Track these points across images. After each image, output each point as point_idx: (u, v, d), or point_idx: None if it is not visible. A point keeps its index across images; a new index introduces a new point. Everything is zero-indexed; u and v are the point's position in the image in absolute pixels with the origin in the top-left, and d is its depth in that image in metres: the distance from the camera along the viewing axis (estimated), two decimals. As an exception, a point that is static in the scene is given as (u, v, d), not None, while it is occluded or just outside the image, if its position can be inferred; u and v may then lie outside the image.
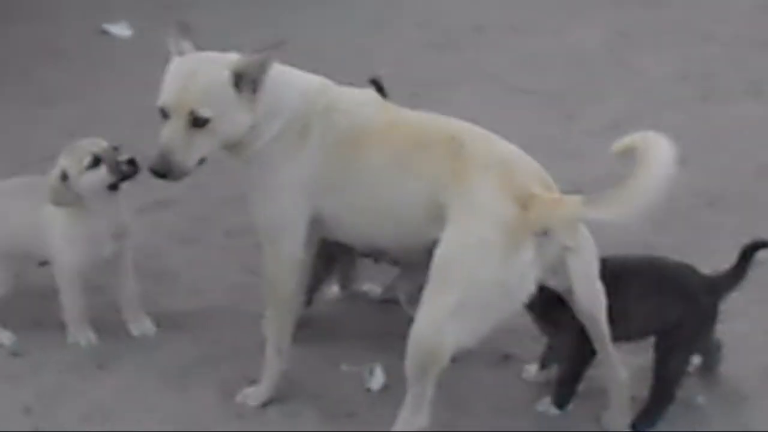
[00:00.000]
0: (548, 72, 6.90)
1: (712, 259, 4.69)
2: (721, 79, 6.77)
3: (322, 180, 3.64)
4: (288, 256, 3.74)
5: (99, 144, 4.06)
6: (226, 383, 4.06)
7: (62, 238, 4.15)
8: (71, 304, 4.29)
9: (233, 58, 3.54)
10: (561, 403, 3.90)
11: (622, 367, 3.79)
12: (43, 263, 4.46)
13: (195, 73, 3.47)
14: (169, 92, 3.49)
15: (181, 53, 3.59)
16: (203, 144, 3.49)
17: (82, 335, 4.31)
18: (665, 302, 3.79)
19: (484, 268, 3.36)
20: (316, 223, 3.72)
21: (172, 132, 3.45)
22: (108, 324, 4.37)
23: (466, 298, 3.37)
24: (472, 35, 7.55)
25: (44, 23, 7.54)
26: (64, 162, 4.05)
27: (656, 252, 4.21)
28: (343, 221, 3.70)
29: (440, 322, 3.40)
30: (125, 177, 4.02)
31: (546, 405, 3.92)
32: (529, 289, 3.43)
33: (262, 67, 3.49)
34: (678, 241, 4.96)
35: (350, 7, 7.87)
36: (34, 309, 4.50)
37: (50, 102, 6.43)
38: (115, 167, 3.99)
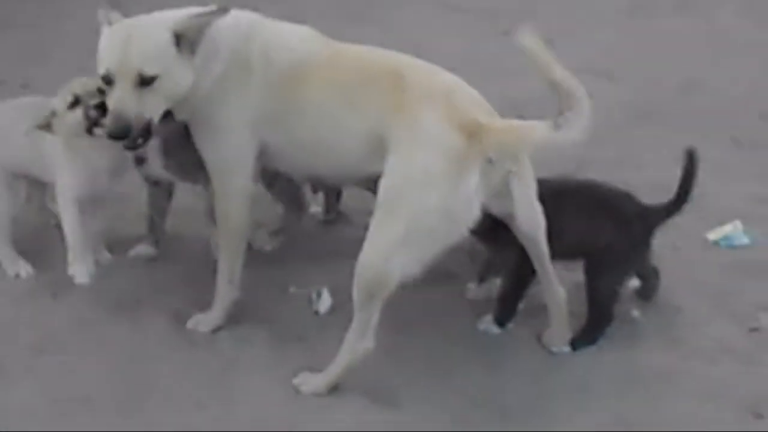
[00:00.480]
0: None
1: (643, 171, 4.56)
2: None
3: (268, 114, 3.49)
4: (239, 189, 3.60)
5: (86, 84, 3.68)
6: (178, 311, 3.82)
7: (62, 163, 3.83)
8: (70, 230, 3.95)
9: (173, 19, 3.37)
10: (502, 320, 3.73)
11: (560, 286, 3.65)
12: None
13: (134, 35, 3.31)
14: (111, 57, 3.31)
15: (111, 23, 3.41)
16: (153, 103, 3.33)
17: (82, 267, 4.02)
18: (597, 224, 3.67)
19: (431, 197, 3.20)
20: (261, 155, 3.57)
21: (121, 94, 3.29)
22: (63, 252, 4.07)
23: (412, 227, 3.22)
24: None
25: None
26: (56, 98, 3.74)
27: (591, 166, 4.04)
28: (286, 153, 3.56)
29: (387, 250, 3.25)
30: (94, 122, 3.65)
31: (487, 323, 3.75)
32: (475, 215, 3.27)
33: (201, 30, 3.35)
34: (610, 154, 4.81)
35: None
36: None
37: (5, 27, 6.07)
38: (85, 112, 3.65)
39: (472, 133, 3.22)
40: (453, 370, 3.56)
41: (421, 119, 3.27)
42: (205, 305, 3.76)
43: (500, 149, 3.24)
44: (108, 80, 3.31)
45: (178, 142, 3.65)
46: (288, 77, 3.46)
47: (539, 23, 5.89)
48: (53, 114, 3.69)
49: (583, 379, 3.52)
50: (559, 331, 3.65)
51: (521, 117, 4.62)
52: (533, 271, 3.61)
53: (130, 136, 3.32)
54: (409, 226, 3.22)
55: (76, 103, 3.65)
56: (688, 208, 4.28)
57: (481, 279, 3.92)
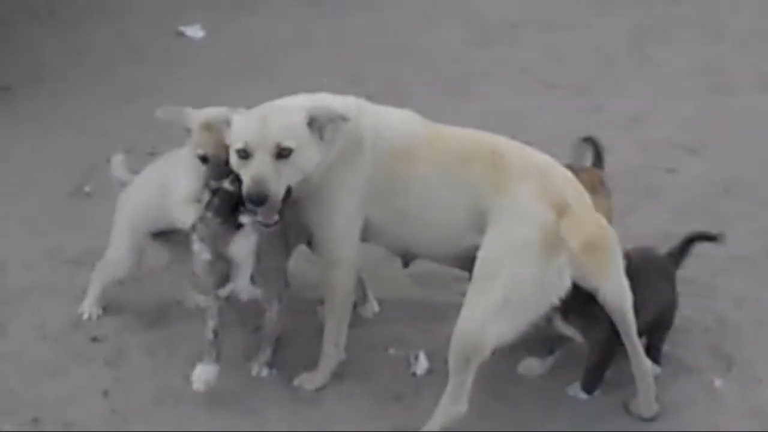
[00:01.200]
0: (575, 66, 6.64)
1: (727, 245, 4.51)
2: (732, 73, 6.46)
3: (375, 189, 3.58)
4: (347, 260, 3.69)
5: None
6: (286, 367, 3.91)
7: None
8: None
9: (306, 104, 3.51)
10: (590, 389, 3.74)
11: (647, 358, 3.65)
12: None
13: (272, 115, 3.44)
14: (249, 132, 3.39)
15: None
16: (289, 173, 3.40)
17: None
18: (667, 288, 3.82)
19: (526, 268, 3.33)
20: (363, 229, 3.67)
21: (261, 164, 3.35)
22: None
23: (509, 296, 3.33)
24: (507, 32, 7.28)
25: (125, 25, 7.36)
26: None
27: (674, 239, 4.02)
28: (387, 228, 3.64)
29: (484, 318, 3.35)
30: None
31: (576, 389, 3.75)
32: (566, 286, 3.37)
33: (330, 120, 3.46)
34: (694, 227, 4.73)
35: (395, 8, 7.60)
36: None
37: (130, 97, 6.26)
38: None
39: (562, 212, 3.34)
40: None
41: (519, 196, 3.40)
42: (311, 363, 3.82)
43: (568, 237, 3.31)
44: (245, 154, 3.39)
45: (269, 246, 3.61)
46: (393, 155, 3.56)
47: (628, 100, 6.04)
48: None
49: (668, 447, 3.50)
50: (645, 399, 3.64)
51: (613, 189, 4.68)
52: (621, 344, 3.61)
53: (266, 203, 3.34)
54: (505, 295, 3.32)
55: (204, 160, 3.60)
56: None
57: (550, 352, 3.90)
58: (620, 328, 3.54)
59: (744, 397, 3.75)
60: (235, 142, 3.41)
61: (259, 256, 3.58)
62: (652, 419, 3.63)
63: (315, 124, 3.42)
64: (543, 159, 3.57)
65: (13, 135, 5.85)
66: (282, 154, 3.36)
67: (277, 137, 3.36)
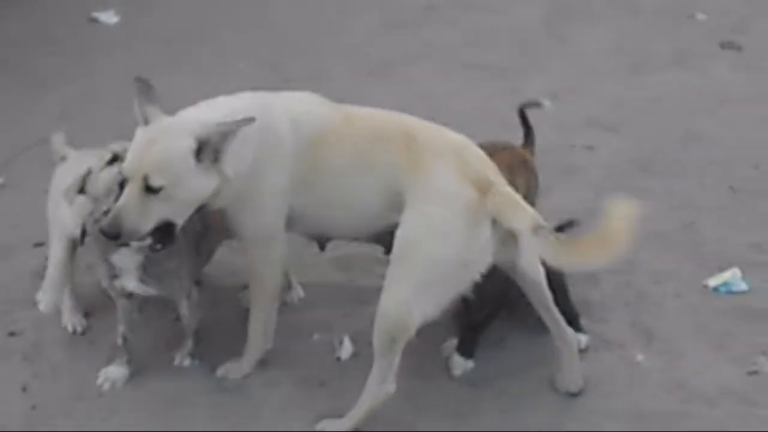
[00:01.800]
0: (493, 47, 6.66)
1: (646, 222, 4.55)
2: (648, 51, 6.54)
3: (296, 179, 3.49)
4: (277, 255, 3.63)
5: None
6: (210, 358, 3.85)
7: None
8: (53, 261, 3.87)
9: (195, 127, 3.27)
10: (469, 352, 3.76)
11: (568, 327, 3.66)
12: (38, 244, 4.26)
13: (155, 141, 3.23)
14: (129, 159, 3.25)
15: (146, 120, 3.31)
16: (158, 209, 3.22)
17: None
18: None
19: (448, 248, 3.29)
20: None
21: (127, 197, 3.20)
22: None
23: (431, 276, 3.30)
24: (426, 14, 7.28)
25: (37, 12, 7.20)
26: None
27: (595, 215, 4.05)
28: (306, 215, 3.57)
29: (407, 297, 3.32)
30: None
31: (460, 364, 3.77)
32: (487, 262, 3.35)
33: (225, 138, 3.25)
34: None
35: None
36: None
37: (44, 86, 6.13)
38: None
39: (483, 189, 3.32)
40: (469, 413, 3.58)
41: (436, 175, 3.36)
42: (235, 352, 3.79)
43: (502, 219, 3.30)
44: (125, 179, 3.25)
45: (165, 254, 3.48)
46: (311, 141, 3.47)
47: (546, 80, 6.08)
48: (88, 173, 3.49)
49: (593, 422, 3.55)
50: (571, 373, 3.66)
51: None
52: (504, 306, 3.71)
53: (121, 238, 3.22)
54: (427, 275, 3.29)
55: (114, 160, 3.47)
56: (688, 256, 4.32)
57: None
58: (536, 301, 3.56)
59: (665, 372, 3.78)
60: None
61: (147, 264, 3.49)
62: (578, 394, 3.64)
63: (207, 147, 3.23)
64: (458, 138, 3.53)
65: (-77, 128, 5.69)
66: (150, 189, 3.19)
67: (146, 169, 3.19)
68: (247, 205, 3.49)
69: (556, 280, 3.65)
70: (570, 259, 3.22)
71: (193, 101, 3.53)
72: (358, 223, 3.55)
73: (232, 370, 3.76)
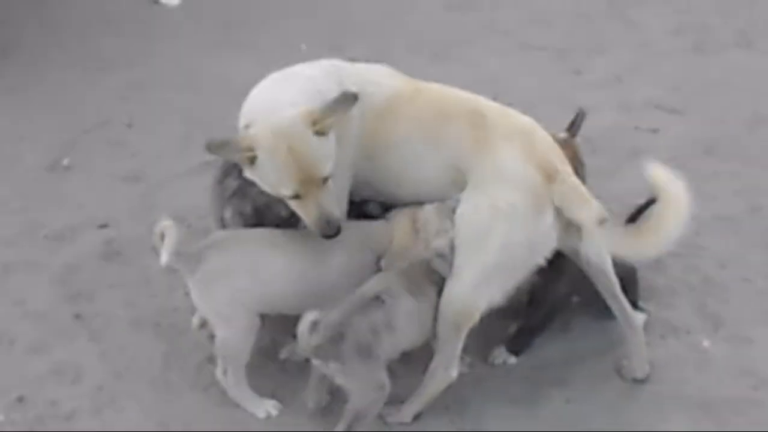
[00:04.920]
0: (555, 28, 6.56)
1: (711, 204, 4.47)
2: (712, 32, 6.40)
3: (361, 151, 3.48)
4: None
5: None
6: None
7: None
8: None
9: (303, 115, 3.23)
10: (521, 349, 3.72)
11: (635, 312, 3.61)
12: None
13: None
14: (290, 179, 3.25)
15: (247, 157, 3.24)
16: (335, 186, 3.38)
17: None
18: None
19: (516, 232, 3.25)
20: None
21: (320, 200, 3.29)
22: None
23: (499, 260, 3.26)
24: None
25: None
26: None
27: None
28: (369, 185, 3.55)
29: (475, 283, 3.27)
30: None
31: (503, 355, 3.71)
32: (552, 246, 3.32)
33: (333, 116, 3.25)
34: (680, 187, 4.70)
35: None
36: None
37: (106, 69, 6.14)
38: None
39: (550, 175, 3.27)
40: (532, 400, 3.53)
41: (502, 157, 3.30)
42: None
43: (566, 208, 3.26)
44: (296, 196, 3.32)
45: None
46: (378, 112, 3.44)
47: (608, 61, 5.98)
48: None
49: (659, 409, 3.51)
50: (639, 359, 3.60)
51: (593, 151, 4.62)
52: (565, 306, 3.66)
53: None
54: (496, 259, 3.25)
55: None
56: (755, 240, 4.23)
57: None
58: (603, 288, 3.50)
59: (733, 357, 3.71)
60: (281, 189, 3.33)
61: None
62: (644, 380, 3.59)
63: (319, 128, 3.23)
64: (527, 121, 3.47)
65: (-12, 110, 5.74)
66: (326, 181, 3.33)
67: (317, 173, 3.30)
68: None
69: (627, 274, 3.61)
70: (635, 249, 3.16)
71: (254, 83, 3.51)
72: (418, 195, 3.49)
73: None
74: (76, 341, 3.90)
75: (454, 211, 3.37)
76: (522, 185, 3.25)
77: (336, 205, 3.35)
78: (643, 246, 3.19)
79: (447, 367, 3.38)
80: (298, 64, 3.54)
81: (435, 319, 3.35)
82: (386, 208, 3.63)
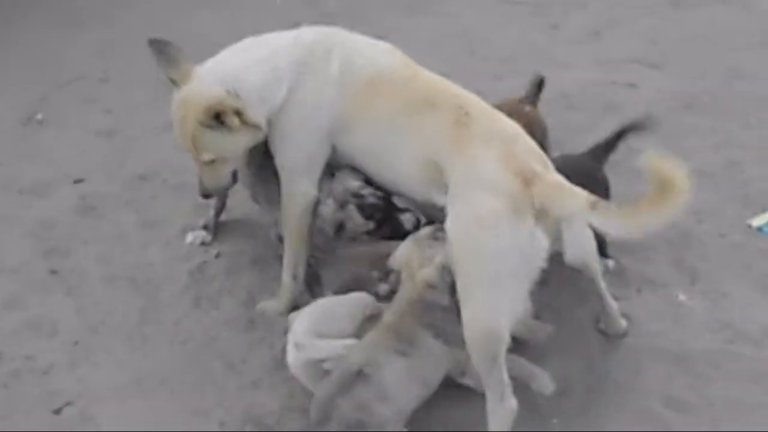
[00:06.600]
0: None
1: (688, 158, 4.45)
2: (691, -15, 6.37)
3: (340, 122, 3.46)
4: (305, 193, 3.59)
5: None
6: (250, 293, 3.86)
7: None
8: None
9: (207, 97, 3.36)
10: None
11: (612, 299, 3.60)
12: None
13: (184, 120, 3.41)
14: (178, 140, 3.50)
15: (176, 83, 3.45)
16: (224, 169, 3.55)
17: None
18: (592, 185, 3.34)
19: (503, 237, 3.06)
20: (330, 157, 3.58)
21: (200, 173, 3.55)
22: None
23: (497, 268, 3.07)
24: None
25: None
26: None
27: (637, 154, 3.96)
28: (353, 160, 3.54)
29: (486, 299, 3.10)
30: None
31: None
32: (545, 247, 3.13)
33: (240, 102, 3.37)
34: (658, 142, 4.69)
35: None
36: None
37: (80, 25, 6.07)
38: None
39: (527, 179, 3.12)
40: (511, 353, 3.51)
41: (479, 160, 3.19)
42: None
43: (550, 207, 3.10)
44: None
45: None
46: (365, 86, 3.42)
47: (586, 16, 5.94)
48: None
49: (635, 361, 3.50)
50: (614, 320, 3.61)
51: (570, 107, 4.59)
52: None
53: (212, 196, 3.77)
54: (494, 268, 3.08)
55: None
56: (732, 195, 4.23)
57: None
58: (585, 275, 3.50)
59: (709, 311, 3.72)
60: None
61: None
62: (623, 336, 3.59)
63: (226, 116, 3.36)
64: (511, 125, 3.36)
65: (-40, 65, 5.67)
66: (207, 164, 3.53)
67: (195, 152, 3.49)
68: (279, 136, 3.51)
69: None
70: (634, 225, 3.04)
71: (230, 39, 3.51)
72: (396, 181, 3.46)
73: (268, 309, 3.73)
74: (52, 296, 3.88)
75: (430, 236, 3.33)
76: (500, 190, 3.11)
77: (216, 181, 3.56)
78: (639, 225, 3.03)
79: (502, 400, 3.18)
80: (295, 29, 3.54)
81: (436, 366, 3.28)
82: (419, 221, 3.62)
